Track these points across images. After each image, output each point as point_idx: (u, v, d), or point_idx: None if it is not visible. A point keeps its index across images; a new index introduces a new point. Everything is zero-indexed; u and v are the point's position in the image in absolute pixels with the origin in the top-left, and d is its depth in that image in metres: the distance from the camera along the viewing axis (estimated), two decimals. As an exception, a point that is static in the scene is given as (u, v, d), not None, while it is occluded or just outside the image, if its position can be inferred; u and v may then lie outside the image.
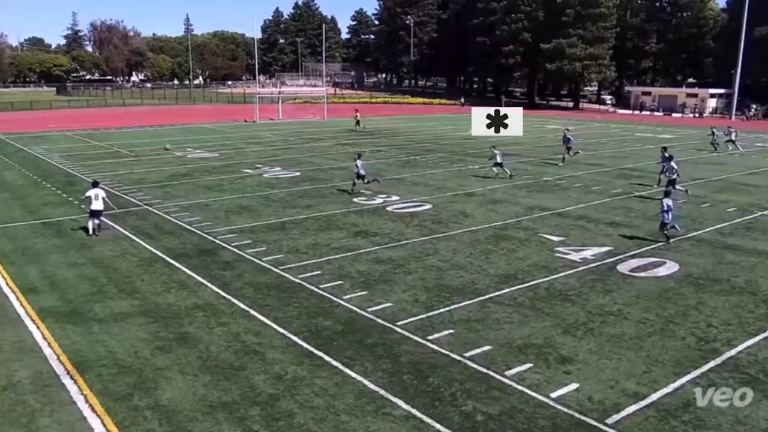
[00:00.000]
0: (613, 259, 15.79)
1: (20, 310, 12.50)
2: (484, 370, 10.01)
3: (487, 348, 10.77)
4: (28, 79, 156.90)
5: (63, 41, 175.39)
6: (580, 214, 20.84)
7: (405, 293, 13.37)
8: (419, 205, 22.06)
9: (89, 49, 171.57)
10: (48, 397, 9.26)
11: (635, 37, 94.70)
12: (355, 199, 23.00)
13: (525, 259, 15.76)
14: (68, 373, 9.96)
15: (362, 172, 24.19)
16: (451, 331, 11.46)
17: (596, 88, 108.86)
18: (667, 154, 25.44)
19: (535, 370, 10.04)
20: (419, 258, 15.87)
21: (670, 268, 15.13)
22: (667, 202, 17.08)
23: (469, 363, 10.25)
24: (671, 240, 17.21)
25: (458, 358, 10.43)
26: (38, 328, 11.66)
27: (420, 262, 15.50)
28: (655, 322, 11.94)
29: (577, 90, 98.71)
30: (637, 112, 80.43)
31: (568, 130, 35.61)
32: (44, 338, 11.21)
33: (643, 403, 9.12)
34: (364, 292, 13.36)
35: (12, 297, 13.22)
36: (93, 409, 8.93)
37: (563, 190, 25.13)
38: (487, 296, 13.20)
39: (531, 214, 20.79)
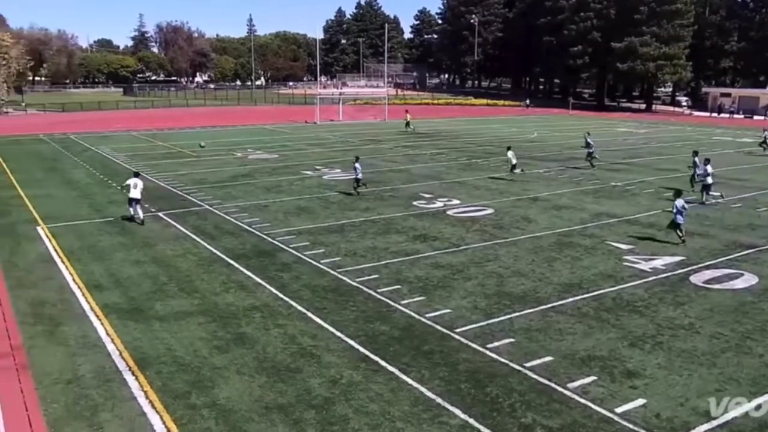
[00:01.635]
0: (686, 269, 15.28)
1: (85, 306, 13.08)
2: (545, 382, 9.87)
3: (548, 359, 10.62)
4: (96, 80, 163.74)
5: (131, 42, 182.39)
6: (651, 221, 20.25)
7: (464, 300, 13.31)
8: (480, 210, 21.91)
9: (155, 50, 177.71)
10: (110, 391, 9.66)
11: (714, 36, 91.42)
12: (414, 203, 23.06)
13: (590, 268, 15.45)
14: (129, 369, 10.36)
15: (360, 176, 24.24)
16: (512, 339, 11.34)
17: (671, 89, 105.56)
18: (696, 159, 25.11)
19: (599, 383, 9.84)
20: (479, 264, 15.78)
21: (748, 280, 14.54)
22: (680, 202, 17.14)
23: (530, 373, 10.12)
24: (685, 240, 17.32)
25: (518, 368, 10.32)
26: (102, 324, 12.18)
27: (480, 268, 15.41)
28: (730, 338, 11.50)
29: (649, 91, 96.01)
30: (715, 114, 77.51)
31: (588, 133, 34.13)
32: (107, 334, 11.70)
33: (715, 423, 8.81)
34: (421, 298, 13.38)
35: (78, 293, 13.85)
36: (153, 406, 9.26)
37: (633, 196, 24.48)
38: (549, 305, 13.01)
39: (598, 220, 20.35)
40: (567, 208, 22.15)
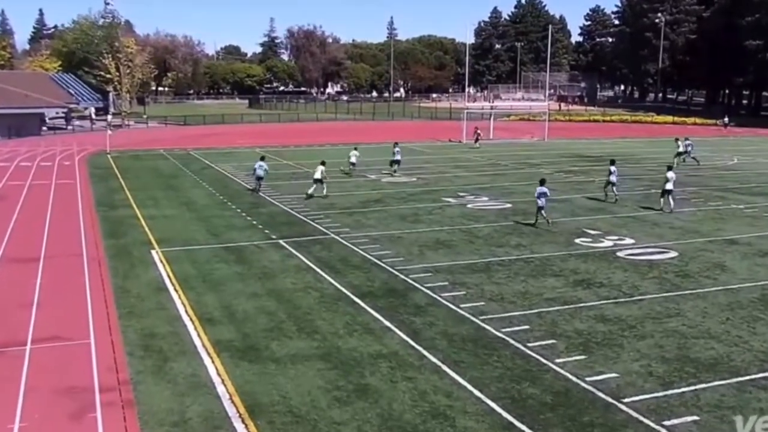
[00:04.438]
0: None
1: (197, 341, 13.91)
2: (739, 475, 9.21)
3: (744, 446, 9.92)
4: (221, 90, 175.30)
5: (259, 49, 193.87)
6: None
7: (635, 363, 12.80)
8: (661, 252, 21.06)
9: (285, 57, 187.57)
10: (218, 440, 10.15)
11: None
12: (577, 240, 22.53)
13: (805, 333, 14.31)
14: (240, 415, 10.85)
15: (260, 173, 31.43)
16: (696, 417, 10.73)
17: None
18: (612, 168, 29.89)
19: (813, 483, 9.02)
20: (657, 319, 15.13)
21: None
22: (541, 189, 24.19)
23: (719, 463, 9.49)
24: (538, 224, 24.24)
25: (703, 454, 9.71)
26: (213, 362, 12.88)
27: (657, 325, 14.77)
28: None
29: None
30: None
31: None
32: (218, 374, 12.35)
33: None
34: (581, 357, 13.02)
35: (190, 326, 14.76)
36: (262, 460, 9.61)
37: None
38: (747, 377, 12.21)
39: (817, 272, 18.86)
40: (775, 255, 20.72)
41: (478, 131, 58.44)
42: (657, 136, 69.20)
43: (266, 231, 23.87)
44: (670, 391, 11.64)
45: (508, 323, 14.77)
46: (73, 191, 33.11)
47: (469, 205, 29.09)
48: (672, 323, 14.93)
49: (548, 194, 24.65)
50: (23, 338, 13.97)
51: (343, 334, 14.30)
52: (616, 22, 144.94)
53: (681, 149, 43.87)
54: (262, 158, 33.05)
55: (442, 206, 28.94)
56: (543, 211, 24.31)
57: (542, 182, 24.80)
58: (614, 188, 29.97)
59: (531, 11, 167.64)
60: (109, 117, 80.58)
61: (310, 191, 30.13)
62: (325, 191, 30.33)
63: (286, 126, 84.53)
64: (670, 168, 28.50)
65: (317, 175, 30.52)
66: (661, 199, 27.88)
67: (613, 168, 30.02)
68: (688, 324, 14.88)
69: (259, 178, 31.64)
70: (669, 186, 27.41)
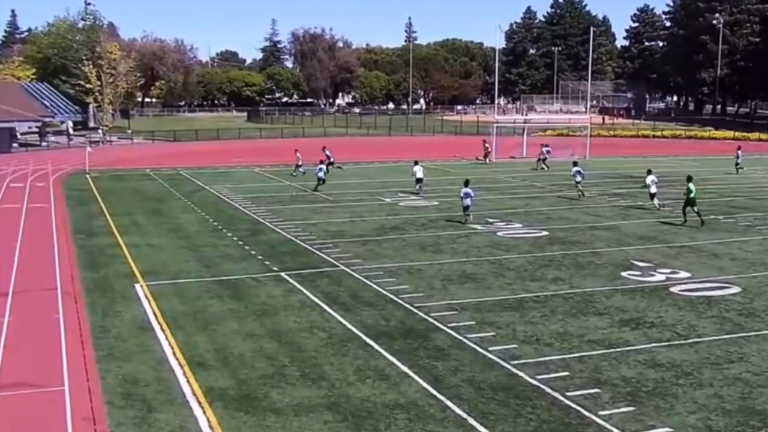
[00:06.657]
0: None
1: (185, 389, 13.91)
2: None
3: None
4: (216, 101, 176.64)
5: (259, 55, 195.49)
6: None
7: (692, 415, 12.69)
8: (721, 287, 20.94)
9: (289, 64, 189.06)
10: (209, 502, 10.13)
11: None
12: (624, 273, 22.44)
13: None
14: (235, 475, 10.81)
15: (321, 176, 40.72)
16: (763, 480, 10.61)
17: None
18: (574, 169, 38.81)
19: None
20: (717, 365, 15.03)
21: None
22: (466, 190, 30.26)
23: None
24: (468, 222, 30.10)
25: None
26: (204, 413, 12.86)
27: (717, 371, 14.66)
28: None
29: None
30: None
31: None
32: (210, 426, 12.33)
33: None
34: (629, 408, 12.92)
35: (178, 371, 14.77)
36: None
37: None
38: (824, 433, 12.05)
39: None
40: None
41: (487, 145, 59.93)
42: (716, 154, 68.92)
43: (266, 262, 23.93)
44: (733, 449, 11.54)
45: (545, 369, 14.69)
46: (47, 216, 33.39)
47: (499, 233, 29.05)
48: (734, 369, 14.81)
49: (473, 195, 30.69)
50: (-12, 384, 14.03)
51: (353, 381, 14.26)
52: (668, 23, 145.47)
53: (543, 156, 54.94)
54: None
55: (468, 234, 28.92)
56: (468, 210, 30.44)
57: (466, 183, 31.16)
58: (579, 185, 38.26)
59: (570, 11, 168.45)
60: (100, 132, 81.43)
61: (419, 197, 37.92)
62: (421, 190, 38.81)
63: (289, 142, 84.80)
64: (650, 172, 35.23)
65: (419, 174, 38.53)
66: (653, 201, 34.61)
67: (575, 169, 38.62)
68: (753, 370, 14.75)
69: (320, 179, 41.15)
70: (653, 189, 34.39)
